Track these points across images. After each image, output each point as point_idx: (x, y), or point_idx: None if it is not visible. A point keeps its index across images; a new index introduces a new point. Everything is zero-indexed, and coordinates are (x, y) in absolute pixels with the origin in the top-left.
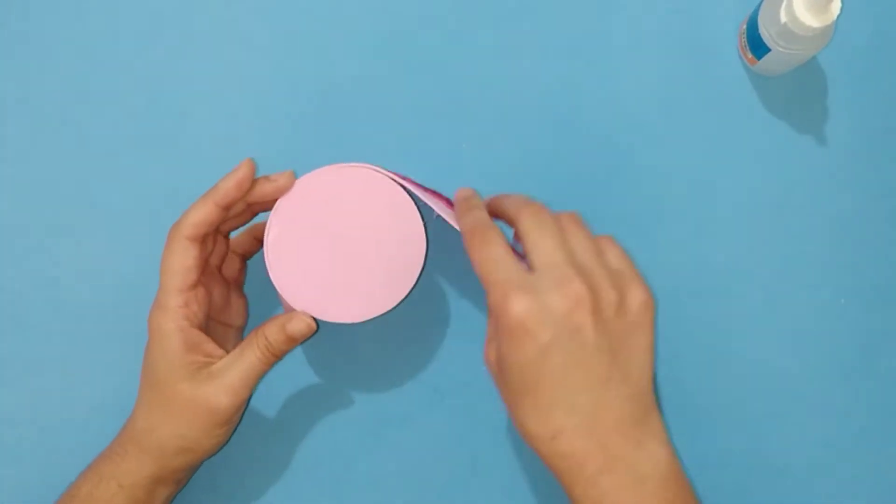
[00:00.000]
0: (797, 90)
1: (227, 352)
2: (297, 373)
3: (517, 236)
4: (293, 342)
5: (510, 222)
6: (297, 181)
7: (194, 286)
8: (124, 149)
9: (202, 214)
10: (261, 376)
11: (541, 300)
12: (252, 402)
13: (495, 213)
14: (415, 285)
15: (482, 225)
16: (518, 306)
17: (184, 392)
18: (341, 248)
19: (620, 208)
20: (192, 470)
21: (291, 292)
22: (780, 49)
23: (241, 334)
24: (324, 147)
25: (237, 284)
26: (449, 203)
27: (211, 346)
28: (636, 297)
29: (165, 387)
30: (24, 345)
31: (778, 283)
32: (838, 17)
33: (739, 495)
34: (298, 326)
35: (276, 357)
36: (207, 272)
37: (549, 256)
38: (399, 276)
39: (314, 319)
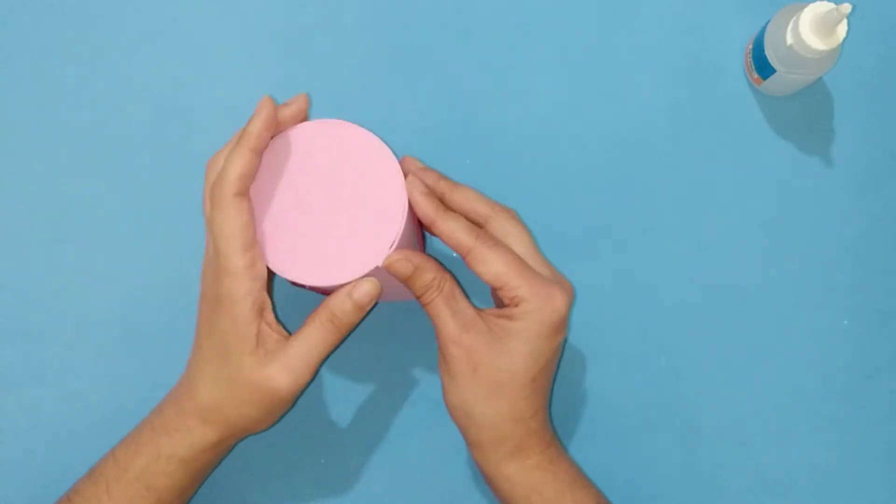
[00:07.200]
0: (803, 111)
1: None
2: None
3: (489, 231)
4: (361, 311)
5: (479, 220)
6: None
7: (255, 243)
8: (131, 157)
9: (243, 166)
10: (324, 356)
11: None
12: None
13: (454, 208)
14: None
15: (477, 231)
16: (564, 301)
17: (248, 370)
18: (320, 207)
19: (625, 225)
20: None
21: (285, 266)
22: (786, 71)
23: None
24: None
25: None
26: None
27: (270, 311)
28: None
29: (233, 360)
30: (30, 353)
31: (781, 303)
32: (844, 39)
33: None
34: (365, 289)
35: (340, 332)
36: None
37: (535, 255)
38: (386, 221)
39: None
